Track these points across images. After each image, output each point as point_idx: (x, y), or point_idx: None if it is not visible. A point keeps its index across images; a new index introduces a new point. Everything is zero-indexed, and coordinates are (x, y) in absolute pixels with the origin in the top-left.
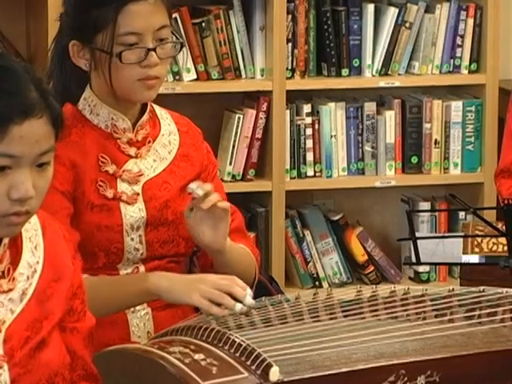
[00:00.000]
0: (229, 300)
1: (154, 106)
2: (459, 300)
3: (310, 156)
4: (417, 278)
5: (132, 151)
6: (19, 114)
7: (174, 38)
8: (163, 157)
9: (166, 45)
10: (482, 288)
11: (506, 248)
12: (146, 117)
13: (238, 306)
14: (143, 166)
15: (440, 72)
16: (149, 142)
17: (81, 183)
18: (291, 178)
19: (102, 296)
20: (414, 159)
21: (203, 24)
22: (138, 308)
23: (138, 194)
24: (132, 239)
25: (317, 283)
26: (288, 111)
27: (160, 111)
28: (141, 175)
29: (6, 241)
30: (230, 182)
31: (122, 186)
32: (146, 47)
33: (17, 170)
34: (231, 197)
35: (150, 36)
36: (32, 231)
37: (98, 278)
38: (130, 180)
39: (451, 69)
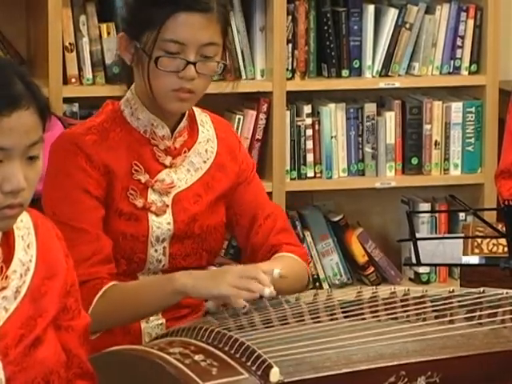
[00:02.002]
0: (256, 285)
1: (195, 109)
2: (459, 301)
3: (310, 157)
4: (417, 279)
5: (167, 160)
6: (7, 106)
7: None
8: (198, 167)
9: (208, 62)
10: (482, 289)
11: (506, 249)
12: (183, 123)
13: (267, 290)
14: (176, 177)
15: (440, 73)
16: (184, 151)
17: (112, 189)
18: (291, 179)
19: (130, 304)
20: (414, 160)
21: None
22: (151, 318)
23: (168, 206)
24: (156, 250)
25: (317, 284)
26: (288, 112)
27: (200, 116)
28: (172, 187)
29: None
30: None
31: (153, 196)
32: (186, 59)
33: (7, 162)
34: None
35: (194, 49)
36: (24, 230)
37: (121, 287)
38: (161, 191)
39: (451, 70)
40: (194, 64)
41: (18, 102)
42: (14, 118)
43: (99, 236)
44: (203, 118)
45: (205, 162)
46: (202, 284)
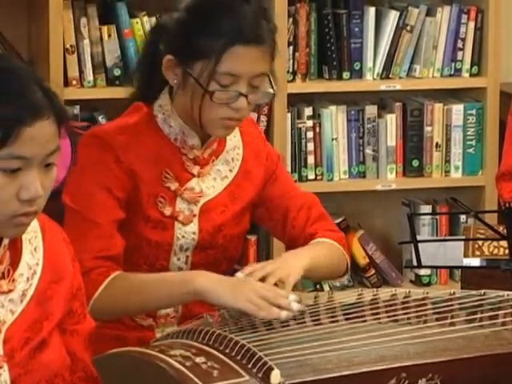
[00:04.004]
0: (274, 310)
1: None
2: (460, 303)
3: (311, 159)
4: (418, 281)
5: (195, 170)
6: (29, 116)
7: (269, 85)
8: (224, 175)
9: (258, 91)
10: (483, 291)
11: (507, 251)
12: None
13: (284, 314)
14: (204, 186)
15: (441, 75)
16: (212, 160)
17: (139, 193)
18: None
19: (148, 294)
20: (415, 162)
21: None
22: (167, 329)
23: (195, 216)
24: (178, 259)
25: (318, 286)
26: (289, 114)
27: None
28: (201, 196)
29: (5, 242)
30: None
31: (181, 205)
32: (239, 91)
33: (26, 171)
34: None
35: (246, 81)
36: (31, 233)
37: (131, 276)
38: (190, 199)
39: (452, 72)
40: (246, 96)
41: (39, 112)
42: (35, 127)
43: (112, 235)
44: None
45: (231, 170)
46: (221, 293)
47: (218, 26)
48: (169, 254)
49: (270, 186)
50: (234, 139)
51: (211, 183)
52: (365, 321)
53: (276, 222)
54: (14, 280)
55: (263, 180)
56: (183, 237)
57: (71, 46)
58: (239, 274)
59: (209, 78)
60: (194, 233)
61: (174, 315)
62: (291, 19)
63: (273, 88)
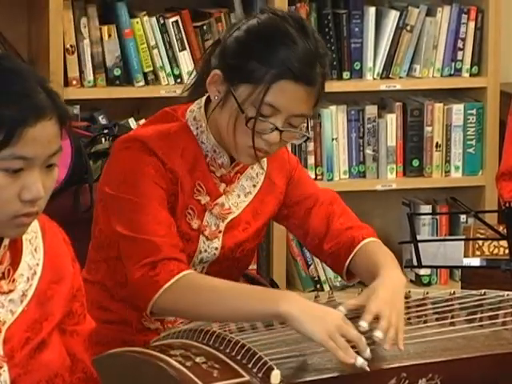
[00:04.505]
0: (351, 352)
1: None
2: (460, 303)
3: (311, 159)
4: (418, 281)
5: (221, 187)
6: (32, 117)
7: (305, 127)
8: (248, 191)
9: (293, 131)
10: (483, 291)
11: (507, 251)
12: None
13: (360, 360)
14: (230, 203)
15: (441, 75)
16: (238, 178)
17: (175, 202)
18: None
19: (226, 304)
20: (415, 162)
21: (204, 27)
22: None
23: (221, 232)
24: (195, 269)
25: (318, 286)
26: None
27: None
28: (229, 213)
29: (6, 242)
30: None
31: (209, 219)
32: (275, 125)
33: (28, 171)
34: None
35: (285, 117)
36: (32, 233)
37: (222, 282)
38: (218, 215)
39: (452, 72)
40: (281, 132)
41: (42, 113)
42: (38, 128)
43: (174, 224)
44: None
45: (254, 185)
46: (306, 322)
47: (273, 55)
48: (187, 266)
49: (292, 188)
50: None
51: (235, 200)
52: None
53: (297, 220)
54: (14, 280)
55: (285, 187)
56: (205, 251)
57: (71, 45)
58: (341, 309)
59: (250, 104)
60: (216, 248)
61: (183, 320)
62: None
63: (309, 132)
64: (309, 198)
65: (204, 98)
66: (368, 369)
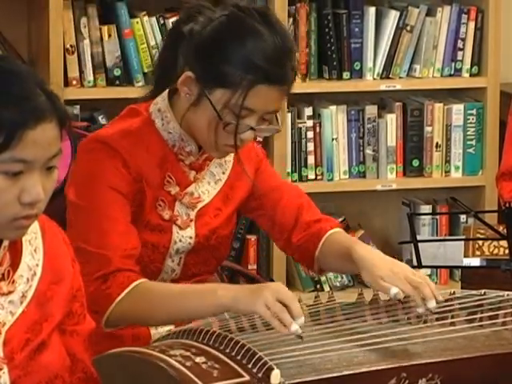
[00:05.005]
0: (287, 317)
1: None
2: (460, 303)
3: (311, 159)
4: None
5: (191, 175)
6: (32, 120)
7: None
8: (218, 178)
9: (265, 125)
10: (483, 291)
11: (507, 251)
12: None
13: (295, 326)
14: (200, 191)
15: (441, 75)
16: (207, 164)
17: (143, 198)
18: (292, 181)
19: (163, 306)
20: (415, 162)
21: None
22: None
23: (192, 220)
24: (172, 261)
25: (318, 286)
26: (289, 114)
27: None
28: (199, 201)
29: (5, 243)
30: None
31: (179, 209)
32: (250, 126)
33: (28, 174)
34: None
35: (259, 115)
36: (32, 234)
37: (156, 286)
38: (189, 204)
39: (452, 72)
40: (255, 130)
41: (42, 115)
42: (38, 130)
43: (132, 232)
44: None
45: (223, 172)
46: (241, 299)
47: (246, 59)
48: (164, 257)
49: (260, 179)
50: None
51: (205, 187)
52: (365, 321)
53: (266, 211)
54: (13, 281)
55: (254, 176)
56: (180, 241)
57: (71, 45)
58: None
59: (228, 109)
60: (190, 237)
61: None
62: (291, 19)
63: (279, 124)
64: (276, 189)
65: (167, 90)
66: (300, 331)
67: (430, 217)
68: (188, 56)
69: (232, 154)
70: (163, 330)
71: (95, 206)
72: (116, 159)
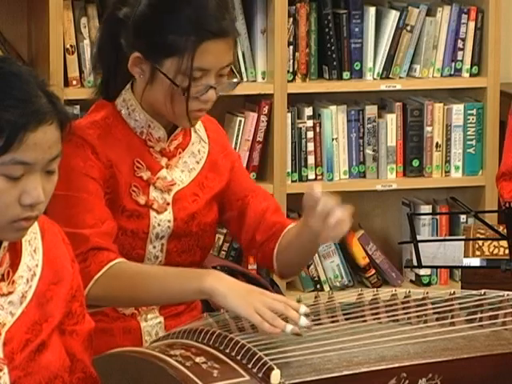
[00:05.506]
0: (280, 322)
1: None
2: (460, 303)
3: (311, 159)
4: (418, 281)
5: (163, 162)
6: (33, 122)
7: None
8: (191, 167)
9: (224, 81)
10: (483, 291)
11: (507, 251)
12: (179, 127)
13: (289, 327)
14: (174, 177)
15: (441, 75)
16: (179, 152)
17: (116, 184)
18: (292, 181)
19: (152, 287)
20: (415, 162)
21: None
22: (150, 316)
23: (169, 204)
24: (154, 247)
25: (318, 286)
26: (289, 114)
27: None
28: (173, 184)
29: (5, 244)
30: None
31: (154, 194)
32: (209, 84)
33: (29, 176)
34: None
35: (215, 72)
36: (31, 234)
37: (135, 266)
38: (163, 188)
39: (452, 72)
40: (215, 88)
41: (43, 118)
42: (39, 133)
43: (105, 211)
44: None
45: (198, 162)
46: (230, 297)
47: (184, 22)
48: (145, 243)
49: (233, 179)
50: (199, 132)
51: (179, 174)
52: (365, 321)
53: (235, 212)
54: (13, 282)
55: (229, 175)
56: (159, 225)
57: (71, 45)
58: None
59: (183, 76)
60: (169, 221)
61: None
62: (291, 19)
63: (236, 76)
64: (248, 191)
65: (130, 81)
66: (299, 330)
67: (429, 217)
68: (129, 38)
69: (205, 146)
70: (153, 322)
71: (71, 193)
72: (84, 147)
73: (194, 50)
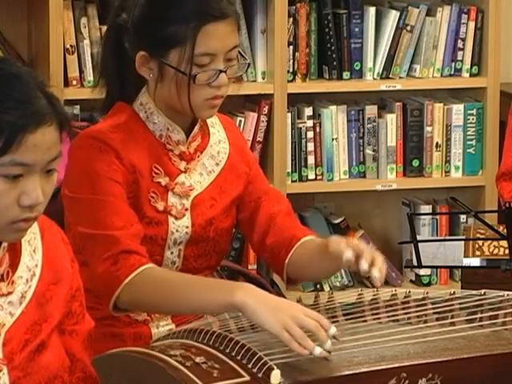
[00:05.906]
0: (308, 343)
1: None
2: (460, 303)
3: (311, 159)
4: (418, 281)
5: (182, 165)
6: (33, 123)
7: (241, 57)
8: (210, 169)
9: (233, 64)
10: (483, 291)
11: (507, 251)
12: (197, 127)
13: (318, 350)
14: (192, 181)
15: (441, 75)
16: (198, 155)
17: (138, 190)
18: (292, 181)
19: (182, 296)
20: (415, 162)
21: None
22: (162, 323)
23: (187, 210)
24: (172, 253)
25: (318, 286)
26: (289, 114)
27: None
28: (192, 189)
29: (5, 244)
30: None
31: (173, 199)
32: (218, 69)
33: (28, 177)
34: None
35: (222, 57)
36: (31, 234)
37: (180, 275)
38: (181, 194)
39: (452, 72)
40: (225, 71)
41: (43, 119)
42: (38, 134)
43: (132, 213)
44: (212, 118)
45: (217, 164)
46: (260, 312)
47: (182, 10)
48: (163, 249)
49: (251, 181)
50: (218, 134)
51: (197, 178)
52: (365, 321)
53: (248, 213)
54: (13, 282)
55: (247, 177)
56: (177, 231)
57: (71, 45)
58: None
59: (187, 63)
60: (187, 226)
61: None
62: (291, 19)
63: (245, 58)
64: (262, 193)
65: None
66: (327, 354)
67: (429, 217)
68: (132, 40)
69: (226, 147)
70: (164, 329)
71: (95, 196)
72: (108, 152)
73: (195, 35)
